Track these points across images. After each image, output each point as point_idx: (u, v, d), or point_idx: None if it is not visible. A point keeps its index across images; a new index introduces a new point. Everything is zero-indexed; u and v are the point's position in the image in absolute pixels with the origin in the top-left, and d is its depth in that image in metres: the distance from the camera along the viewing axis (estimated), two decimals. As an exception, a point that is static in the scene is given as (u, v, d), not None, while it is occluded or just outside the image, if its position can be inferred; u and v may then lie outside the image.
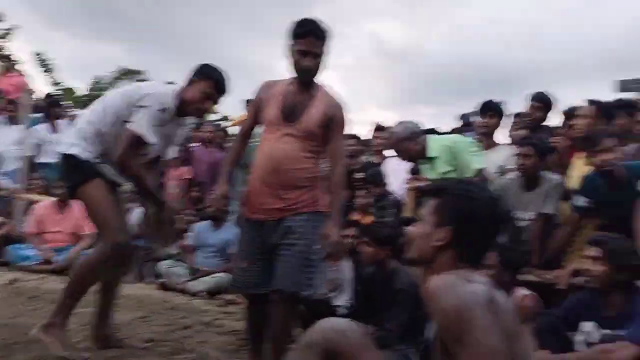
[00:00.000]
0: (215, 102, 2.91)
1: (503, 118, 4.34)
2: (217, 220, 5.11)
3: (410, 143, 3.66)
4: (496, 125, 4.24)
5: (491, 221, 1.57)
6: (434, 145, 3.66)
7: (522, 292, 3.13)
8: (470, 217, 1.54)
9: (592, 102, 4.00)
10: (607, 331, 2.60)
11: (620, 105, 4.02)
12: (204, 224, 5.28)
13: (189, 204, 5.79)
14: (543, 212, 3.61)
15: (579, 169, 3.61)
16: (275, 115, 2.74)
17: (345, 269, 3.87)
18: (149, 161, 2.94)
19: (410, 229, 1.68)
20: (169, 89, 2.88)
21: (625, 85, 4.39)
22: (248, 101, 4.34)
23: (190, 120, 3.32)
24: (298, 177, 2.69)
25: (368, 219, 4.34)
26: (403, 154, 3.76)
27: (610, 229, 3.11)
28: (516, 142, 3.76)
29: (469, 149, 3.64)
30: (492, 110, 4.22)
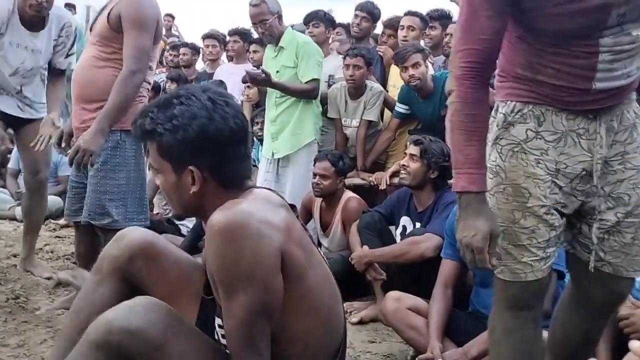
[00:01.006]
0: None
1: (330, 28, 4.40)
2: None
3: (277, 21, 3.62)
4: (322, 34, 4.25)
5: (230, 135, 1.38)
6: (288, 37, 3.66)
7: (348, 194, 3.41)
8: (204, 145, 1.37)
9: (410, 12, 4.19)
10: (419, 225, 2.95)
11: (435, 16, 4.26)
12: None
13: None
14: (367, 119, 3.85)
15: (397, 78, 3.86)
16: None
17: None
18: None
19: (159, 184, 1.49)
20: None
21: None
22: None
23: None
24: (96, 90, 2.52)
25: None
26: (265, 32, 3.65)
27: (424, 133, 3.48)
28: (345, 52, 3.86)
29: (316, 56, 3.67)
30: (317, 19, 4.23)
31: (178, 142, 1.37)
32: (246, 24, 4.40)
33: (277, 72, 3.64)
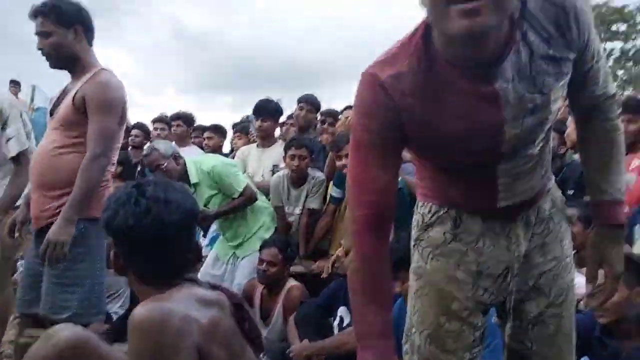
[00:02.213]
0: None
1: (279, 118, 4.56)
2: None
3: (174, 162, 3.64)
4: (271, 128, 4.38)
5: (152, 238, 1.42)
6: (194, 171, 3.68)
7: (291, 282, 3.43)
8: (122, 241, 1.45)
9: (349, 107, 4.42)
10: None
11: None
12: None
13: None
14: (309, 207, 3.94)
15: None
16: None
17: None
18: None
19: None
20: None
21: None
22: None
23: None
24: (59, 176, 2.43)
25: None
26: (164, 174, 3.64)
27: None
28: (290, 143, 3.97)
29: (230, 169, 3.71)
30: (266, 113, 4.33)
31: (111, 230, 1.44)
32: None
33: (206, 205, 3.70)
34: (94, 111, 2.42)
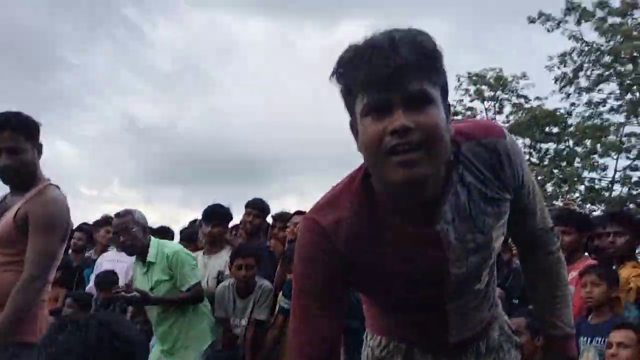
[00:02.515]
0: None
1: (228, 223, 4.50)
2: None
3: (142, 233, 3.57)
4: (219, 234, 4.30)
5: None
6: (154, 250, 3.60)
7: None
8: None
9: (301, 213, 4.40)
10: None
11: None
12: None
13: None
14: (256, 318, 3.82)
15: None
16: None
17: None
18: None
19: None
20: None
21: None
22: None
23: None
24: None
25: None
26: (126, 241, 3.57)
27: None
28: (236, 252, 3.89)
29: (189, 262, 3.65)
30: (216, 218, 4.28)
31: None
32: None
33: (152, 288, 3.59)
34: (36, 230, 2.30)
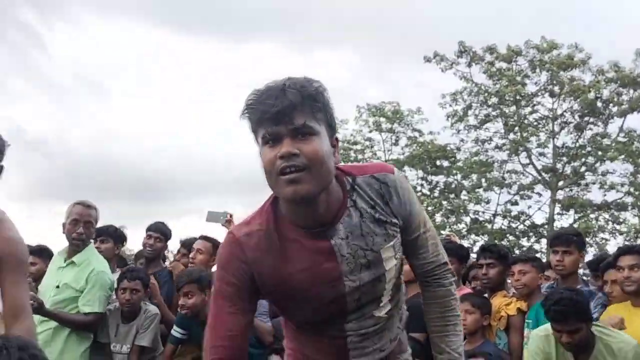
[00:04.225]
0: None
1: (119, 244, 4.30)
2: None
3: (93, 233, 3.60)
4: (110, 251, 4.13)
5: None
6: (85, 256, 3.54)
7: None
8: None
9: (205, 237, 4.29)
10: None
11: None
12: None
13: None
14: (139, 344, 3.66)
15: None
16: None
17: None
18: None
19: None
20: None
21: (211, 216, 4.81)
22: None
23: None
24: None
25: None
26: (82, 234, 3.56)
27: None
28: (123, 274, 3.72)
29: (106, 289, 3.57)
30: (107, 235, 4.14)
31: None
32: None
33: (57, 286, 3.43)
34: (17, 271, 1.99)
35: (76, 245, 3.55)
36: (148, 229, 4.42)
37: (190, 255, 4.16)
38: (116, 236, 4.24)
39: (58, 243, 3.93)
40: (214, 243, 4.15)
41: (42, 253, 4.62)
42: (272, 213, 1.49)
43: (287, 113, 1.36)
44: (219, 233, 4.61)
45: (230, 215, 4.94)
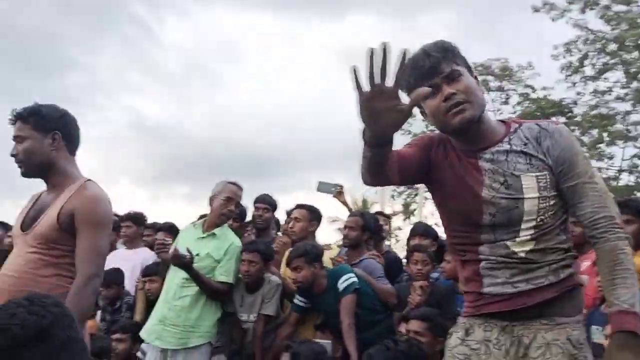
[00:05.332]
0: None
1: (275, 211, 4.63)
2: None
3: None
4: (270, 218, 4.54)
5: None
6: (225, 230, 3.84)
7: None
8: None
9: (301, 205, 4.34)
10: None
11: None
12: None
13: None
14: (264, 314, 3.79)
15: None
16: (15, 228, 2.38)
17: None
18: None
19: None
20: None
21: (322, 187, 4.89)
22: None
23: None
24: None
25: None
26: (234, 211, 3.92)
27: (324, 327, 3.57)
28: (243, 247, 3.86)
29: (238, 261, 3.81)
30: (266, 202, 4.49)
31: None
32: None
33: (197, 254, 3.62)
34: (85, 228, 2.23)
35: (222, 220, 3.81)
36: (255, 201, 4.63)
37: (289, 225, 4.23)
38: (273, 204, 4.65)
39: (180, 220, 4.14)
40: (311, 209, 4.21)
41: (172, 231, 4.92)
42: (443, 135, 1.87)
43: (436, 67, 1.72)
44: (329, 204, 4.67)
45: (342, 187, 4.97)
